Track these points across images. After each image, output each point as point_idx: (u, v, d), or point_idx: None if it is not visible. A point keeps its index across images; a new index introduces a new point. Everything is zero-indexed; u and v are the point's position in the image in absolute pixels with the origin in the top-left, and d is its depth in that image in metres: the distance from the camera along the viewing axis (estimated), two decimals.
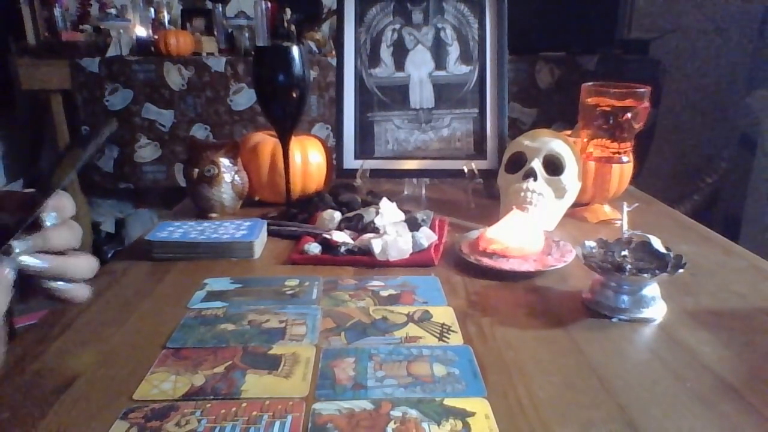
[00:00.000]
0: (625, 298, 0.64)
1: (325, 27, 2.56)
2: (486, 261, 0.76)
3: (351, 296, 0.68)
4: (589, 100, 0.94)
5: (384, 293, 0.69)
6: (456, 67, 1.08)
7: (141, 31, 2.43)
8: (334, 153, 1.09)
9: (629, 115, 0.90)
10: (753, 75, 2.48)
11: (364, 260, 0.78)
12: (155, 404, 0.48)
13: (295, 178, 1.01)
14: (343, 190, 1.01)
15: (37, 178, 0.45)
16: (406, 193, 1.12)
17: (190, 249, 0.80)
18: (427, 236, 0.80)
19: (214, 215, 0.96)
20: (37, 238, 0.38)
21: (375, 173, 1.07)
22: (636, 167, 0.99)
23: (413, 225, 0.83)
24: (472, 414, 0.47)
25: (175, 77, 2.31)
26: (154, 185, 2.45)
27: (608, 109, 0.91)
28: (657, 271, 0.62)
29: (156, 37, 2.36)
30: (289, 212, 0.94)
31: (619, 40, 2.54)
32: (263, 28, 2.38)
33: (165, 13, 2.54)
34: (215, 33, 2.50)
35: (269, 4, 2.41)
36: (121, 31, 2.37)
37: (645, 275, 0.62)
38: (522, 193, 0.89)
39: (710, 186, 2.48)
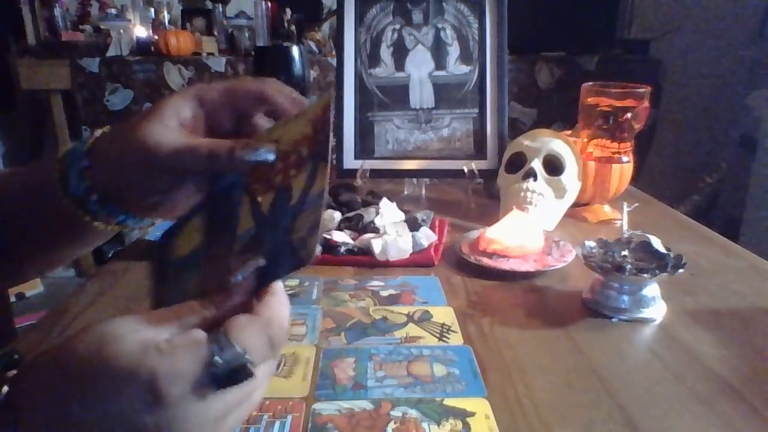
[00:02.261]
0: (625, 298, 0.64)
1: (325, 27, 2.56)
2: (486, 261, 0.76)
3: (351, 296, 0.69)
4: (589, 100, 0.94)
5: (384, 293, 0.69)
6: (456, 67, 1.08)
7: (141, 31, 2.43)
8: (334, 153, 1.09)
9: (629, 115, 0.90)
10: (753, 75, 2.48)
11: (364, 260, 0.78)
12: None
13: None
14: (343, 190, 1.01)
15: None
16: (406, 193, 1.12)
17: None
18: (427, 236, 0.80)
19: None
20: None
21: (375, 173, 1.06)
22: (636, 167, 0.99)
23: (413, 225, 0.83)
24: (472, 414, 0.47)
25: (175, 77, 2.31)
26: None
27: (608, 109, 0.91)
28: (657, 271, 0.62)
29: (156, 37, 2.36)
30: None
31: (619, 40, 2.54)
32: (263, 28, 2.38)
33: (165, 13, 2.54)
34: (215, 33, 2.50)
35: (269, 4, 2.41)
36: (121, 31, 2.37)
37: (645, 275, 0.62)
38: (522, 193, 0.88)
39: (710, 186, 2.48)
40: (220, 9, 2.51)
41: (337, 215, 0.88)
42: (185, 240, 0.39)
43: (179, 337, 0.28)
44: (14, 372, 0.30)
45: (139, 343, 0.28)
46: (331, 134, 0.36)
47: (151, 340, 0.28)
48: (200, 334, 0.29)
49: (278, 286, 0.34)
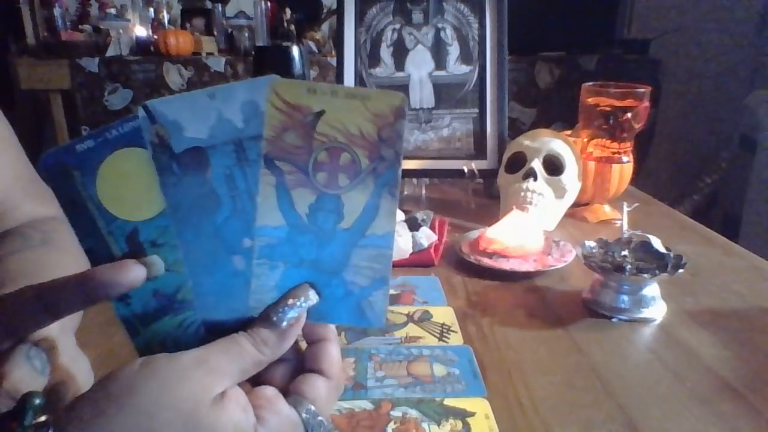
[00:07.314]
0: (625, 298, 0.64)
1: (325, 27, 2.56)
2: (486, 261, 0.76)
3: None
4: (589, 100, 0.94)
5: None
6: (456, 67, 1.08)
7: (141, 31, 2.43)
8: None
9: (629, 115, 0.90)
10: (753, 75, 2.48)
11: None
12: None
13: None
14: None
15: None
16: (406, 193, 1.12)
17: None
18: (427, 236, 0.80)
19: None
20: None
21: None
22: (636, 167, 0.99)
23: (413, 225, 0.83)
24: (472, 414, 0.47)
25: (175, 77, 2.30)
26: None
27: (608, 109, 0.91)
28: (657, 271, 0.62)
29: (156, 36, 2.36)
30: None
31: (619, 40, 2.54)
32: (263, 28, 2.37)
33: (165, 13, 2.53)
34: (215, 33, 2.50)
35: (269, 4, 2.40)
36: (121, 30, 2.37)
37: (645, 275, 0.62)
38: (522, 193, 0.88)
39: (710, 186, 2.48)
40: (220, 9, 2.51)
41: None
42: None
43: (275, 418, 0.28)
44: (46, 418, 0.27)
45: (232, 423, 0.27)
46: (402, 160, 0.26)
47: (245, 422, 0.27)
48: (294, 415, 0.29)
49: (333, 331, 0.32)
